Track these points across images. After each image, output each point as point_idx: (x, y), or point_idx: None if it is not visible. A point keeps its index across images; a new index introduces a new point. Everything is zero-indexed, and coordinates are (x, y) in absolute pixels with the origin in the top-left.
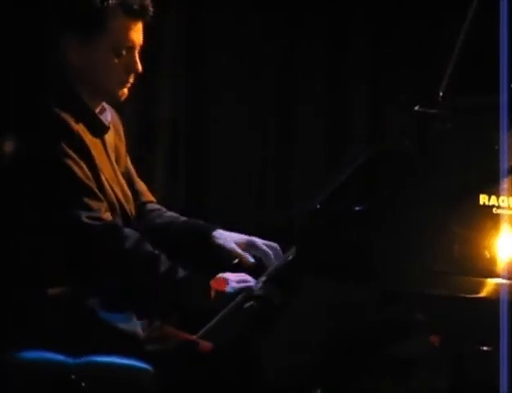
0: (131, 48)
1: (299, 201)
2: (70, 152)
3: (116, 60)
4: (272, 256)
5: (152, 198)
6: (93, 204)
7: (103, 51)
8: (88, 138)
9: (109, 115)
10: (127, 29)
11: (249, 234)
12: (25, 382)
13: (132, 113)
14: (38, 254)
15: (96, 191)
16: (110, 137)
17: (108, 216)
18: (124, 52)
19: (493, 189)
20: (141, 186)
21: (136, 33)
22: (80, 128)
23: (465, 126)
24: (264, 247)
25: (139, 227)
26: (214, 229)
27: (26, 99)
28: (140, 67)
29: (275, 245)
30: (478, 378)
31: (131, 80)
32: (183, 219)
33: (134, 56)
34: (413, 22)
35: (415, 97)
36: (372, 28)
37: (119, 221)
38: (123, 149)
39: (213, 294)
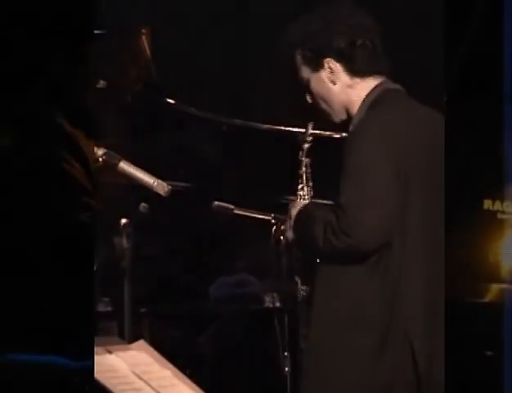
0: None
1: None
2: (68, 156)
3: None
4: None
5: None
6: (93, 204)
7: None
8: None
9: None
10: None
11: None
12: (27, 385)
13: None
14: (38, 253)
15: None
16: None
17: None
18: None
19: (497, 194)
20: None
21: None
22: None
23: (469, 129)
24: None
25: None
26: None
27: (26, 103)
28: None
29: None
30: (481, 382)
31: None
32: None
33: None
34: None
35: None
36: None
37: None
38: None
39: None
